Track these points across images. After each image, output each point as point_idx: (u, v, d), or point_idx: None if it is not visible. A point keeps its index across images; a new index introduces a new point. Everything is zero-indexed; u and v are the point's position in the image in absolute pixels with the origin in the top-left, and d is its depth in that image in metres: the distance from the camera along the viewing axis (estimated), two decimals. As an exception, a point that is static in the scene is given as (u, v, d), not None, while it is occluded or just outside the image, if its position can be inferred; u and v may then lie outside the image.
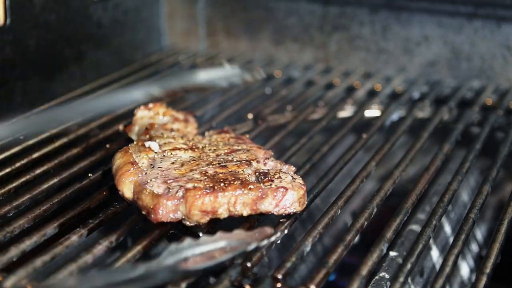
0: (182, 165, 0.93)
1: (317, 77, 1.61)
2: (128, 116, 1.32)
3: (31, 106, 1.35)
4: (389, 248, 1.03)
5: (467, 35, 1.55)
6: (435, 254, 1.15)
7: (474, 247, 1.33)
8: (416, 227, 1.11)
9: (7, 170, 1.06)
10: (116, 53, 1.65)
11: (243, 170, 0.91)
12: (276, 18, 1.76)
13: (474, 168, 1.46)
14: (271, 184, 0.88)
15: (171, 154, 0.97)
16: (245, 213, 0.87)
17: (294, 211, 0.88)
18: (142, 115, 1.16)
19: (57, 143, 1.17)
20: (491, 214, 1.48)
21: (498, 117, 1.34)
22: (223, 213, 0.86)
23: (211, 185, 0.86)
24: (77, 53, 1.52)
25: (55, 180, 1.02)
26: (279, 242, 0.86)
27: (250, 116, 1.33)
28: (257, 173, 0.92)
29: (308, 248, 0.84)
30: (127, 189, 0.90)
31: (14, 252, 0.81)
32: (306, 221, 1.27)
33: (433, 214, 0.93)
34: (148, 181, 0.89)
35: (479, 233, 1.39)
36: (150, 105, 1.17)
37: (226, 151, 0.98)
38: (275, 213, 0.88)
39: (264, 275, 0.79)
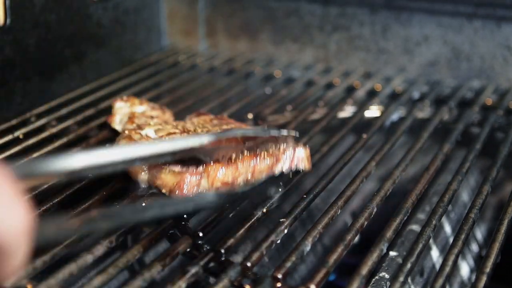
0: None
1: (317, 77, 1.61)
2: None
3: (31, 106, 1.35)
4: (389, 248, 1.03)
5: (467, 35, 1.55)
6: (435, 254, 1.15)
7: (474, 247, 1.33)
8: (416, 227, 1.11)
9: (7, 170, 1.05)
10: (116, 53, 1.65)
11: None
12: (276, 18, 1.76)
13: (474, 168, 1.46)
14: (279, 148, 0.94)
15: (168, 139, 0.98)
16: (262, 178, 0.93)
17: (304, 168, 0.96)
18: (120, 106, 1.17)
19: (57, 143, 1.17)
20: (491, 214, 1.48)
21: (498, 117, 1.34)
22: (241, 182, 0.91)
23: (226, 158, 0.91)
24: (77, 53, 1.52)
25: (55, 180, 1.01)
26: (279, 242, 0.86)
27: (250, 116, 1.33)
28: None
29: (308, 248, 0.84)
30: (142, 172, 0.91)
31: (14, 252, 0.80)
32: (306, 221, 1.27)
33: (433, 214, 0.93)
34: None
35: (479, 233, 1.39)
36: (125, 97, 1.21)
37: (218, 130, 1.00)
38: (287, 173, 0.95)
39: (264, 275, 0.79)
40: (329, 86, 1.57)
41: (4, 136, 1.20)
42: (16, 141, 1.19)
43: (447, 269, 0.81)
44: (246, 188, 0.89)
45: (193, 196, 0.87)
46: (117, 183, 1.00)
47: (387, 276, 0.97)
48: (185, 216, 0.90)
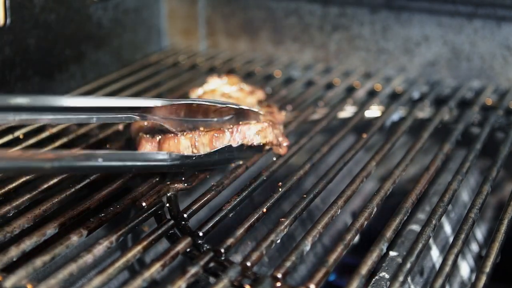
0: None
1: (317, 77, 1.61)
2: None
3: (31, 106, 1.35)
4: (389, 248, 1.03)
5: (467, 35, 1.55)
6: (435, 253, 1.15)
7: (474, 247, 1.33)
8: (416, 227, 1.11)
9: (7, 170, 1.05)
10: (116, 53, 1.65)
11: None
12: (276, 18, 1.76)
13: (474, 168, 1.46)
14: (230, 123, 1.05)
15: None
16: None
17: (261, 142, 1.05)
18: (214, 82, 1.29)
19: (57, 143, 1.17)
20: (491, 214, 1.48)
21: (498, 117, 1.34)
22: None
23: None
24: (77, 53, 1.52)
25: (55, 180, 1.02)
26: (279, 242, 0.86)
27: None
28: None
29: (308, 248, 0.84)
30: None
31: (14, 252, 0.81)
32: (306, 221, 1.27)
33: (433, 214, 0.93)
34: None
35: (479, 233, 1.39)
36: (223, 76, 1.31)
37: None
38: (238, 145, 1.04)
39: (264, 274, 0.79)
40: (329, 86, 1.57)
41: (4, 136, 1.20)
42: (16, 141, 1.19)
43: (447, 269, 0.81)
44: (201, 155, 0.97)
45: (146, 152, 0.94)
46: (117, 183, 1.00)
47: (387, 276, 0.97)
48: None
